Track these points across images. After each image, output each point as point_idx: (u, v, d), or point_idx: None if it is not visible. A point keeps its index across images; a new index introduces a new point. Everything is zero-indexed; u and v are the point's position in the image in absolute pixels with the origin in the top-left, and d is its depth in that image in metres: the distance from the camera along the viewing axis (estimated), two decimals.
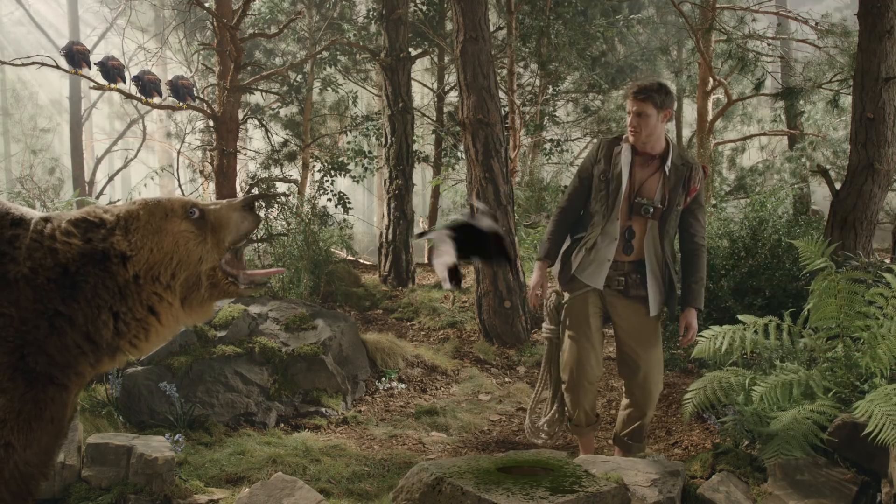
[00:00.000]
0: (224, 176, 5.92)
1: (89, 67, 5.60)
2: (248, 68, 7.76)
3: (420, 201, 18.34)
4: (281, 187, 9.21)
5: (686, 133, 13.07)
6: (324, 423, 4.37)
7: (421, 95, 13.03)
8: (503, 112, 6.99)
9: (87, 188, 12.61)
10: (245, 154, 10.94)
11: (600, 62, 11.39)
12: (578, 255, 3.25)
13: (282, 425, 4.36)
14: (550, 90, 10.80)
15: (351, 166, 9.91)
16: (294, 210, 6.89)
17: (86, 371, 2.05)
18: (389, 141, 7.83)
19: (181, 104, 5.82)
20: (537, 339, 5.91)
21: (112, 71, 5.53)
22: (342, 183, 10.41)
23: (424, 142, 11.44)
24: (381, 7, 7.94)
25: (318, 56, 9.85)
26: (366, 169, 10.14)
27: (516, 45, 9.65)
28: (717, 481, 2.82)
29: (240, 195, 6.26)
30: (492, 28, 7.79)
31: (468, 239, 2.16)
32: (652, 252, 3.20)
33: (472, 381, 5.17)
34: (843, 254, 4.26)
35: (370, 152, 10.30)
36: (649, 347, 3.26)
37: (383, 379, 5.07)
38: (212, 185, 7.15)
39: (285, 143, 10.96)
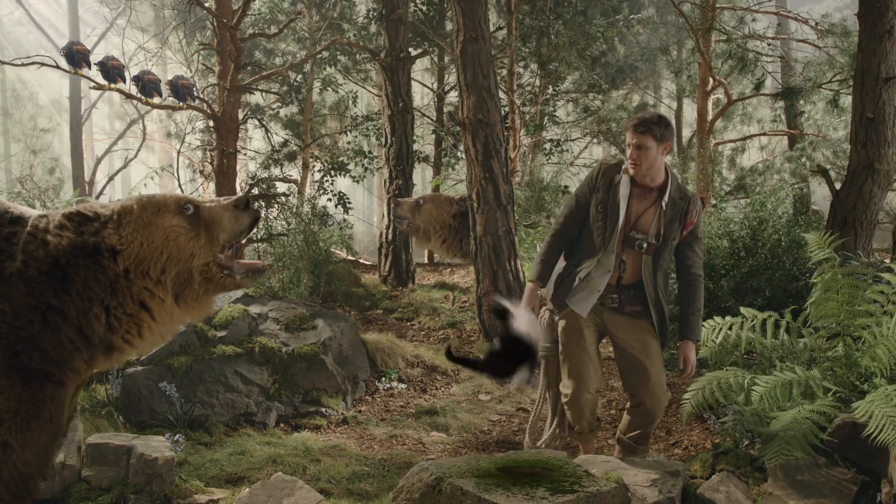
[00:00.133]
0: (224, 176, 5.93)
1: (89, 67, 5.60)
2: (248, 68, 7.77)
3: None
4: (281, 187, 9.21)
5: (686, 133, 13.07)
6: (324, 423, 4.37)
7: (421, 95, 13.02)
8: (503, 112, 6.99)
9: (87, 188, 12.61)
10: (245, 154, 10.94)
11: (600, 62, 11.39)
12: (571, 283, 3.24)
13: (282, 425, 4.35)
14: (550, 90, 10.80)
15: (351, 166, 9.91)
16: (294, 210, 6.89)
17: (81, 368, 2.04)
18: (389, 141, 7.83)
19: (181, 104, 5.82)
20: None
21: (112, 71, 5.53)
22: (342, 183, 10.40)
23: (424, 142, 11.43)
24: (381, 7, 7.94)
25: (318, 56, 9.85)
26: (366, 169, 10.13)
27: (516, 45, 9.65)
28: (717, 481, 2.82)
29: (240, 195, 6.26)
30: (492, 28, 7.79)
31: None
32: (650, 282, 3.19)
33: (472, 381, 5.17)
34: (843, 254, 4.26)
35: (370, 152, 10.30)
36: (653, 353, 3.23)
37: (383, 379, 5.07)
38: (212, 185, 7.15)
39: (285, 143, 10.96)
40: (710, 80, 9.50)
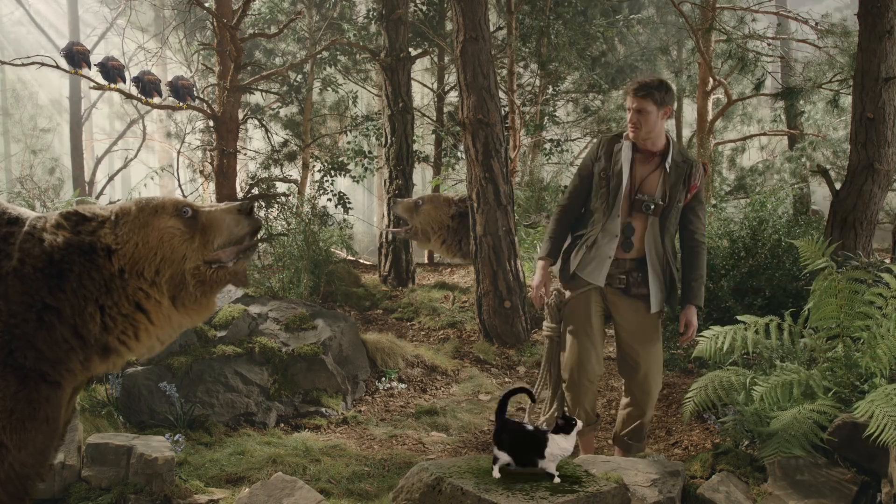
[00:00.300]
0: (224, 176, 5.92)
1: (89, 67, 5.59)
2: (248, 68, 7.76)
3: None
4: (281, 187, 9.21)
5: (686, 133, 13.07)
6: (324, 423, 4.37)
7: (421, 95, 13.02)
8: (503, 112, 6.99)
9: (87, 188, 12.61)
10: (245, 154, 10.94)
11: (600, 62, 11.38)
12: (579, 253, 3.25)
13: (282, 425, 4.35)
14: (550, 90, 10.80)
15: (351, 166, 9.90)
16: (294, 210, 6.89)
17: (77, 369, 2.04)
18: (389, 141, 7.82)
19: (181, 104, 5.82)
20: (537, 339, 5.91)
21: (112, 71, 5.52)
22: (342, 183, 10.40)
23: (424, 142, 11.43)
24: (381, 7, 7.94)
25: (318, 56, 9.85)
26: (366, 169, 10.13)
27: (516, 45, 9.64)
28: (717, 481, 2.82)
29: (240, 195, 6.26)
30: (492, 28, 7.78)
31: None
32: (653, 249, 3.20)
33: (472, 381, 5.17)
34: (843, 254, 4.25)
35: (370, 152, 10.30)
36: (650, 346, 3.26)
37: (383, 379, 5.07)
38: (212, 186, 7.15)
39: (285, 143, 10.95)
40: (710, 80, 9.50)
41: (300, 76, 10.67)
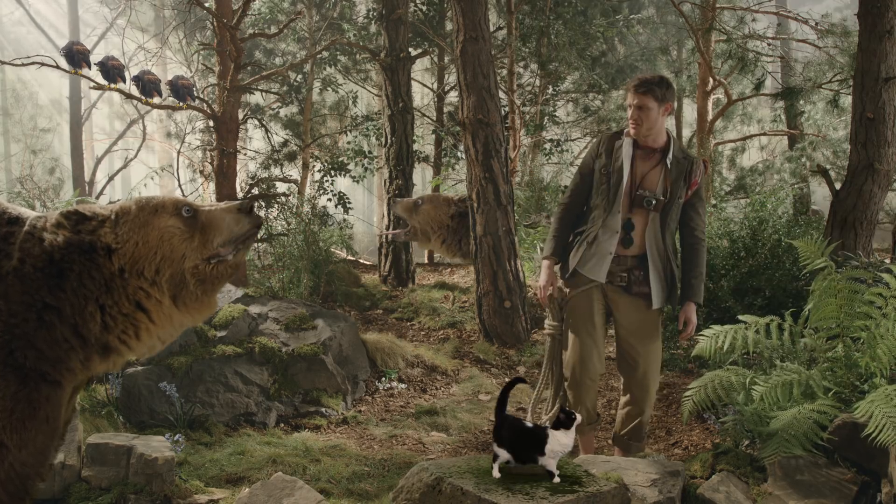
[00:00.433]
0: (224, 176, 5.92)
1: (89, 67, 5.59)
2: (248, 68, 7.76)
3: None
4: (281, 187, 9.21)
5: (686, 133, 13.07)
6: (324, 423, 4.37)
7: (421, 95, 13.02)
8: (503, 112, 6.99)
9: (87, 188, 12.61)
10: (245, 154, 10.94)
11: (600, 62, 11.38)
12: (580, 250, 3.25)
13: (282, 425, 4.35)
14: (550, 90, 10.80)
15: (351, 166, 9.90)
16: (294, 210, 6.89)
17: (77, 368, 2.04)
18: (389, 141, 7.82)
19: (181, 104, 5.82)
20: (537, 339, 5.91)
21: (112, 71, 5.52)
22: (342, 183, 10.40)
23: (424, 142, 11.43)
24: (381, 7, 7.94)
25: (318, 56, 9.85)
26: (366, 169, 10.13)
27: (516, 45, 9.64)
28: (717, 481, 2.82)
29: (240, 195, 6.26)
30: (492, 28, 7.78)
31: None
32: (654, 245, 3.20)
33: (472, 381, 5.17)
34: (843, 254, 4.26)
35: (370, 152, 10.30)
36: (649, 344, 3.27)
37: (383, 379, 5.07)
38: (212, 185, 7.15)
39: (285, 143, 10.95)
40: (710, 80, 9.50)
41: (300, 76, 10.67)
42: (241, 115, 6.38)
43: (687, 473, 2.93)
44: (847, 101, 8.74)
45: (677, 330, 3.37)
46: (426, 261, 10.71)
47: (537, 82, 10.79)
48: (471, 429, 4.39)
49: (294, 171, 11.11)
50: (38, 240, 1.97)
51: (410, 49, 8.29)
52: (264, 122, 8.59)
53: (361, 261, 10.28)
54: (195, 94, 5.89)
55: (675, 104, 4.53)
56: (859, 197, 4.68)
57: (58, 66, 5.61)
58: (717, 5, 9.25)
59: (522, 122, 9.70)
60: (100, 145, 17.79)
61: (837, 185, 4.93)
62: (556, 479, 2.27)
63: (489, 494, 2.17)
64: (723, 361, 3.54)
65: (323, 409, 4.48)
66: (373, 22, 9.83)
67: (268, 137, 8.80)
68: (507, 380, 5.29)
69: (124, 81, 5.64)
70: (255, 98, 10.91)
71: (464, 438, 4.25)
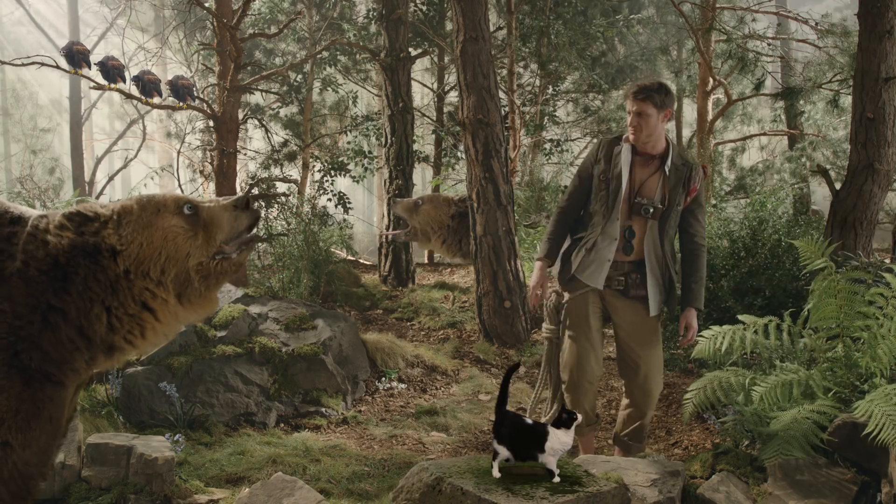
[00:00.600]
0: (224, 176, 5.92)
1: (89, 67, 5.59)
2: (248, 68, 7.76)
3: None
4: (281, 187, 9.21)
5: (686, 133, 13.07)
6: (324, 423, 4.37)
7: (421, 95, 13.02)
8: (503, 112, 6.99)
9: (87, 188, 12.61)
10: (245, 154, 10.94)
11: (600, 62, 11.38)
12: (578, 256, 3.25)
13: (282, 425, 4.35)
14: (550, 90, 10.80)
15: (351, 166, 9.91)
16: (294, 210, 6.89)
17: (81, 368, 2.04)
18: (389, 141, 7.83)
19: (181, 104, 5.82)
20: (537, 339, 5.91)
21: (112, 71, 5.53)
22: (342, 183, 10.40)
23: (424, 142, 11.43)
24: (381, 7, 7.94)
25: (318, 56, 9.84)
26: (366, 169, 10.13)
27: (516, 45, 9.64)
28: (717, 481, 2.82)
29: (239, 195, 6.25)
30: (492, 28, 7.79)
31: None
32: (652, 252, 3.20)
33: (472, 381, 5.17)
34: (843, 254, 4.25)
35: (370, 152, 10.30)
36: (649, 348, 3.27)
37: (383, 379, 5.07)
38: (212, 186, 7.15)
39: (285, 143, 10.95)
40: (710, 80, 9.50)
41: (300, 76, 10.67)
42: (241, 115, 6.38)
43: (687, 473, 2.93)
44: (847, 101, 8.74)
45: (678, 333, 3.37)
46: (426, 261, 10.71)
47: (537, 82, 10.79)
48: (471, 429, 4.39)
49: (294, 171, 11.11)
50: (42, 242, 1.97)
51: (410, 49, 8.29)
52: (264, 122, 8.61)
53: (361, 261, 10.28)
54: (195, 94, 5.90)
55: (675, 107, 4.52)
56: (859, 197, 4.68)
57: (58, 66, 5.61)
58: (717, 5, 9.25)
59: (522, 122, 9.70)
60: (100, 145, 17.80)
61: (837, 185, 4.93)
62: (556, 479, 2.27)
63: (489, 494, 2.17)
64: (723, 362, 3.54)
65: (323, 409, 4.48)
66: (373, 22, 9.83)
67: (268, 137, 8.81)
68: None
69: (124, 81, 5.64)
70: (255, 98, 10.91)
71: (464, 438, 4.25)
